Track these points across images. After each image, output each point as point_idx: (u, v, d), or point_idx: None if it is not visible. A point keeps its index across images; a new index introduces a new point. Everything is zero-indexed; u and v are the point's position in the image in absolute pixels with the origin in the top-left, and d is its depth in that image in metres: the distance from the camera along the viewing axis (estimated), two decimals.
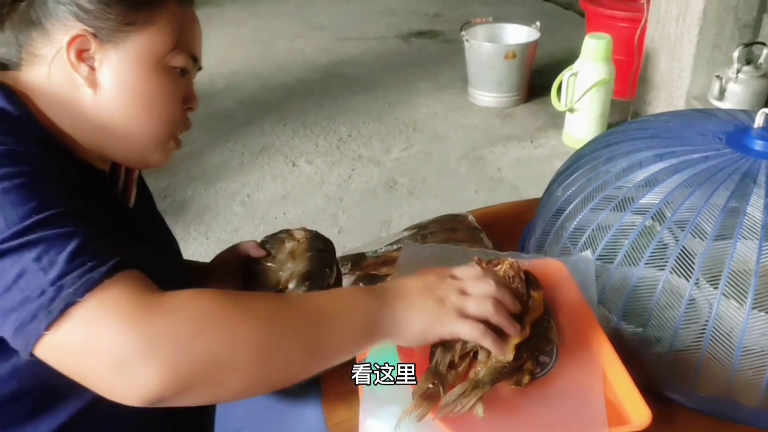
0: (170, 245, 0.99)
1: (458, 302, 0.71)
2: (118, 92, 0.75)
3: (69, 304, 0.56)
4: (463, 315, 0.70)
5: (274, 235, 1.02)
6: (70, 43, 0.72)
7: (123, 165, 0.86)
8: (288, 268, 0.94)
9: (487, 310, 0.71)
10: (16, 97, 0.72)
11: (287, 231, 1.00)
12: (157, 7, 0.76)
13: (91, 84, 0.74)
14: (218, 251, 1.04)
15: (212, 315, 0.61)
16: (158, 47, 0.76)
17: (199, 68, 0.85)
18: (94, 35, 0.73)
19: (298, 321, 0.65)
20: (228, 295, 0.63)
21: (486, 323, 0.71)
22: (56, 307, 0.56)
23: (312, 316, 0.66)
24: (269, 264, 0.96)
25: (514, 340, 0.73)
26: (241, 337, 0.61)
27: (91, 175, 0.78)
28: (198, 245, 2.51)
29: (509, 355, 0.72)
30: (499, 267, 0.82)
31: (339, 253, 1.14)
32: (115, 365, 0.56)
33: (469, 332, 0.70)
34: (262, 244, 1.00)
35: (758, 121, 0.97)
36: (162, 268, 0.88)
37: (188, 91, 0.83)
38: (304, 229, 1.00)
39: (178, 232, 2.58)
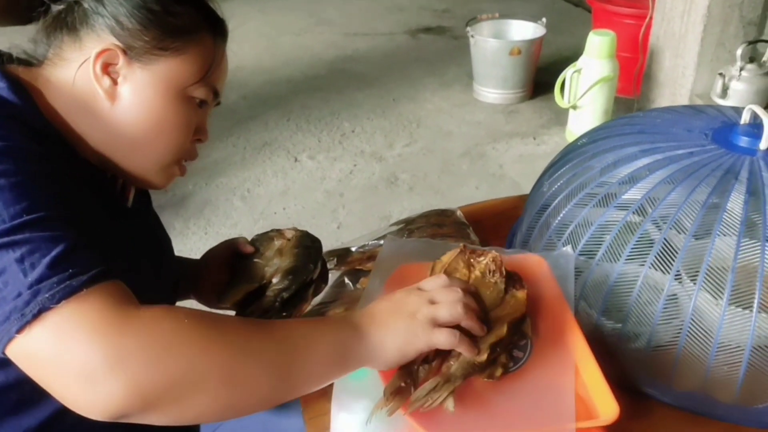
0: (164, 244, 1.00)
1: (429, 312, 0.71)
2: (133, 110, 0.77)
3: (43, 310, 0.56)
4: (437, 324, 0.71)
5: (264, 233, 1.03)
6: (99, 54, 0.74)
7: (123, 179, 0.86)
8: (274, 264, 0.96)
9: (458, 313, 0.72)
10: (23, 89, 0.73)
11: (278, 230, 1.02)
12: (193, 39, 0.78)
13: (110, 97, 0.76)
14: None
15: (183, 334, 0.59)
16: (184, 77, 0.78)
17: (218, 103, 0.87)
18: (124, 52, 0.75)
19: (270, 347, 0.64)
20: (203, 316, 0.62)
21: (458, 327, 0.72)
22: (30, 311, 0.56)
23: (285, 342, 0.65)
24: (256, 260, 0.98)
25: (489, 340, 0.73)
26: (209, 359, 0.60)
27: (91, 174, 0.79)
28: (197, 239, 2.53)
29: (483, 356, 0.72)
30: (481, 258, 0.82)
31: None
32: (81, 376, 0.56)
33: (446, 340, 0.71)
34: (252, 242, 1.01)
35: (744, 117, 0.97)
36: (154, 269, 0.90)
37: (202, 122, 0.85)
38: (295, 229, 1.02)
39: (177, 226, 2.60)
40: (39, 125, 0.72)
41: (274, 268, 0.95)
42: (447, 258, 0.82)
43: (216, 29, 0.82)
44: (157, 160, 0.82)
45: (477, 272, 0.80)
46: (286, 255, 0.96)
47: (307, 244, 0.99)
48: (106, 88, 0.75)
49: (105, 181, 0.83)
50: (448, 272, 0.80)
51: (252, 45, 4.49)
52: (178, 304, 1.01)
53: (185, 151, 0.83)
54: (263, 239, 1.01)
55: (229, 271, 0.99)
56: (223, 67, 0.84)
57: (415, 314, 0.71)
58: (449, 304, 0.72)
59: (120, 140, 0.78)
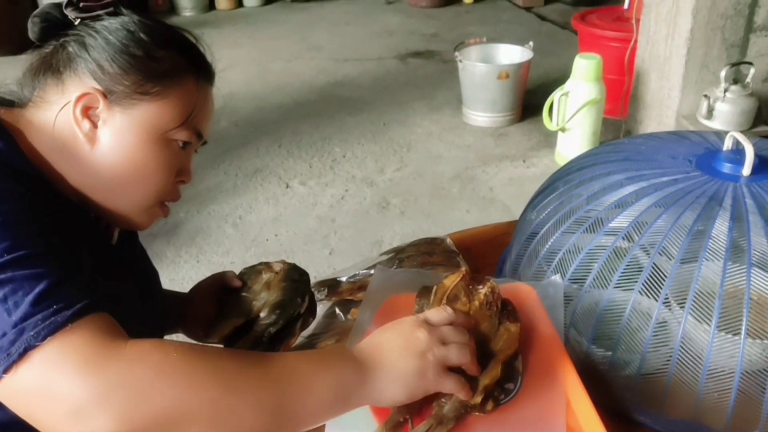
0: (151, 279, 1.00)
1: (441, 355, 0.69)
2: (113, 154, 0.77)
3: (28, 348, 0.56)
4: (445, 367, 0.70)
5: (252, 266, 1.03)
6: (79, 98, 0.75)
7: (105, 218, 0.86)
8: (261, 298, 0.96)
9: (466, 359, 0.71)
10: (4, 130, 0.74)
11: (266, 263, 1.02)
12: (174, 83, 0.79)
13: (90, 140, 0.77)
14: (209, 274, 1.05)
15: (172, 368, 0.59)
16: (165, 121, 0.79)
17: (204, 143, 0.87)
18: (105, 96, 0.76)
19: (264, 384, 0.62)
20: (192, 350, 0.61)
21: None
22: (15, 350, 0.56)
23: (281, 381, 0.63)
24: (244, 294, 0.98)
25: (484, 382, 0.73)
26: (198, 395, 0.59)
27: (74, 213, 0.79)
28: (189, 268, 2.51)
29: (477, 398, 0.72)
30: (481, 287, 0.82)
31: (330, 275, 1.15)
32: (70, 412, 0.55)
33: (453, 387, 0.70)
34: (240, 276, 1.02)
35: (727, 143, 0.98)
36: (141, 305, 0.89)
37: (185, 164, 0.85)
38: (283, 262, 1.02)
39: (169, 254, 2.59)
40: (21, 166, 0.73)
41: (262, 303, 0.95)
42: (449, 282, 0.81)
43: (200, 72, 0.83)
44: (138, 203, 0.82)
45: (476, 302, 0.80)
46: (273, 289, 0.96)
47: (295, 278, 0.99)
48: (86, 131, 0.76)
49: (88, 219, 0.83)
50: (450, 299, 0.79)
51: (242, 71, 4.52)
52: (166, 338, 1.01)
53: (167, 192, 0.84)
54: (251, 273, 1.01)
55: (217, 305, 0.99)
56: (207, 109, 0.84)
57: (426, 354, 0.69)
58: (459, 348, 0.71)
59: (100, 183, 0.79)
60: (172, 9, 6.04)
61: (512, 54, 3.76)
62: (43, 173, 0.76)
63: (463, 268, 0.82)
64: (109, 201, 0.81)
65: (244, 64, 4.65)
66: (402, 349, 0.69)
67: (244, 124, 3.73)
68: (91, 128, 0.76)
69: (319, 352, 0.71)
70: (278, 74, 4.52)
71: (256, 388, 0.62)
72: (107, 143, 0.77)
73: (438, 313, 0.74)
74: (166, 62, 0.78)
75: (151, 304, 0.94)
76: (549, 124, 3.13)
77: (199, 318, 0.99)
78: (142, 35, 0.77)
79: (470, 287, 0.82)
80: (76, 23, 0.78)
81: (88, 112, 0.76)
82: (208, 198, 3.00)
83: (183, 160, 0.84)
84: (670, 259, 0.84)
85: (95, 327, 0.59)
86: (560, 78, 3.44)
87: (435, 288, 0.82)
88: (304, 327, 0.98)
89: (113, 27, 0.77)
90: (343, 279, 1.12)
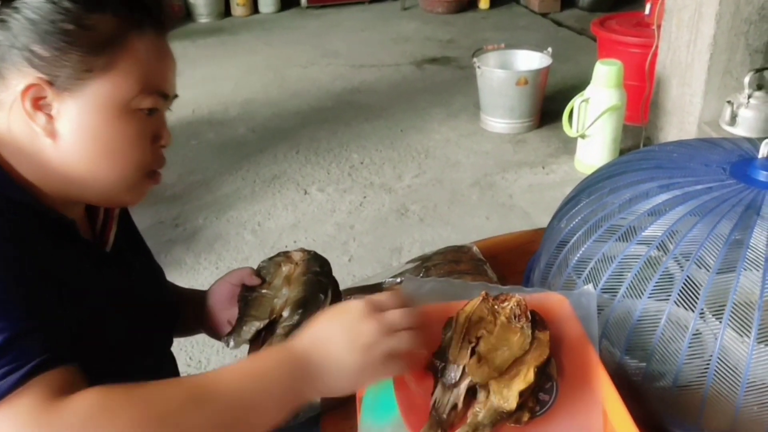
0: (154, 278, 0.97)
1: (386, 346, 0.68)
2: (78, 142, 0.71)
3: None
4: (393, 357, 0.69)
5: (271, 258, 1.00)
6: (24, 91, 0.68)
7: (97, 206, 0.83)
8: (283, 295, 0.93)
9: (415, 344, 0.70)
10: None
11: (285, 253, 0.99)
12: (118, 51, 0.71)
13: (50, 134, 0.70)
14: None
15: (111, 420, 0.56)
16: (121, 93, 0.72)
17: (175, 96, 0.80)
18: (50, 83, 0.69)
19: (214, 418, 0.61)
20: (138, 393, 0.59)
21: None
22: None
23: (230, 408, 0.62)
24: (264, 291, 0.95)
25: (519, 387, 0.72)
26: None
27: (58, 228, 0.75)
28: (208, 274, 2.52)
29: (512, 403, 0.71)
30: (506, 304, 0.82)
31: (349, 283, 1.14)
32: None
33: (397, 372, 0.71)
34: (259, 270, 0.99)
35: (762, 151, 0.96)
36: (145, 306, 0.87)
37: (158, 128, 0.78)
38: (302, 250, 0.99)
39: (188, 261, 2.60)
40: (4, 190, 0.69)
41: (284, 300, 0.93)
42: (470, 307, 0.81)
43: (144, 25, 0.73)
44: (119, 182, 0.76)
45: (502, 318, 0.80)
46: (294, 284, 0.94)
47: (316, 269, 0.96)
48: (43, 125, 0.70)
49: (74, 232, 0.78)
50: (473, 321, 0.79)
51: (259, 78, 4.53)
52: (192, 338, 0.98)
53: (148, 163, 0.78)
54: (270, 266, 0.98)
55: (238, 305, 0.96)
56: (164, 64, 0.76)
57: (372, 348, 0.67)
58: (409, 335, 0.70)
59: (74, 176, 0.73)
60: (188, 16, 6.07)
61: (531, 60, 3.75)
62: (17, 188, 0.71)
63: (483, 291, 0.82)
64: (90, 190, 0.76)
65: (260, 71, 4.67)
66: (346, 343, 0.67)
67: (262, 131, 3.74)
68: (47, 121, 0.70)
69: (260, 364, 0.68)
70: (295, 80, 4.53)
71: (207, 426, 0.60)
72: (68, 133, 0.71)
73: (387, 297, 0.72)
74: (102, 27, 0.69)
75: (157, 303, 0.92)
76: (569, 130, 3.11)
77: (220, 320, 0.97)
78: (67, 3, 0.68)
79: (494, 306, 0.82)
80: None
81: (38, 103, 0.69)
82: (227, 204, 3.00)
83: (155, 125, 0.77)
84: (707, 269, 0.83)
85: (44, 386, 0.57)
86: (578, 84, 3.43)
87: (456, 314, 0.82)
88: None
89: (34, 2, 0.67)
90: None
